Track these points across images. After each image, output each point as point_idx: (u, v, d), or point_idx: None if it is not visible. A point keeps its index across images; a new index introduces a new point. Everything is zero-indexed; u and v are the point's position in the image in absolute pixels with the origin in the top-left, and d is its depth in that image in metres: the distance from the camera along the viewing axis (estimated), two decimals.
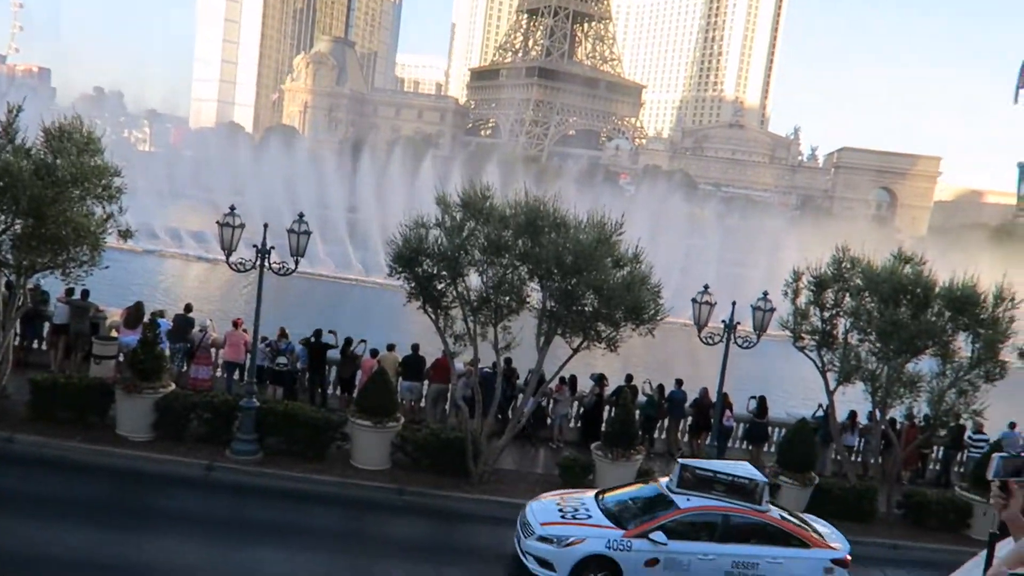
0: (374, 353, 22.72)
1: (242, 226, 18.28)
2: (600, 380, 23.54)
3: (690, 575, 14.45)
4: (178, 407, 18.71)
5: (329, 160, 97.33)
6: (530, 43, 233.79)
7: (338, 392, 23.64)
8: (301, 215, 18.71)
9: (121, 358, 21.80)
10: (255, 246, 18.07)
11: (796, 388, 35.60)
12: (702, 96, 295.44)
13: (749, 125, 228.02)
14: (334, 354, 23.03)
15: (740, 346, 19.31)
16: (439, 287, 18.63)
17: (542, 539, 14.57)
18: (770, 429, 24.76)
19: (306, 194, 68.35)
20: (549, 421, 23.68)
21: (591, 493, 16.31)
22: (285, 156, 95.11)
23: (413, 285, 18.67)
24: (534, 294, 18.94)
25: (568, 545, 14.38)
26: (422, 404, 23.56)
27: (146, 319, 21.38)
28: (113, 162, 18.56)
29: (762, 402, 24.12)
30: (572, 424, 24.30)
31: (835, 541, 15.54)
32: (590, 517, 15.02)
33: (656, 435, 24.59)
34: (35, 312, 22.47)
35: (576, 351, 18.96)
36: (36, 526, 13.93)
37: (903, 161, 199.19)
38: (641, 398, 23.77)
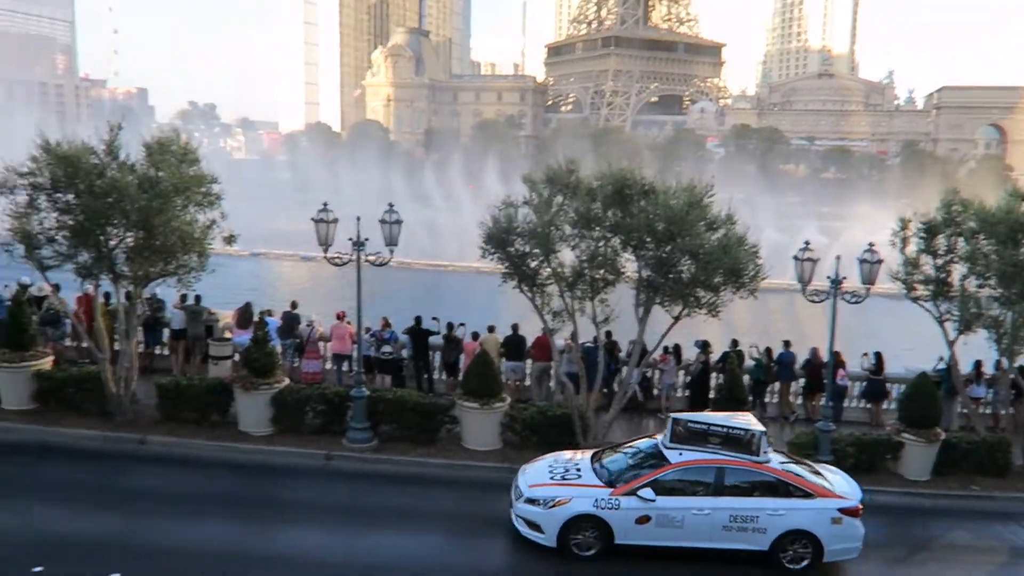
0: (475, 336, 22.93)
1: (336, 221, 18.66)
2: (705, 347, 23.07)
3: (685, 531, 14.09)
4: (293, 401, 19.36)
5: (413, 151, 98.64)
6: (603, 13, 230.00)
7: (443, 376, 23.98)
8: (391, 205, 18.99)
9: (236, 357, 22.71)
10: (350, 239, 18.43)
11: (912, 342, 34.02)
12: (786, 48, 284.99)
13: (838, 73, 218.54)
14: (437, 339, 23.36)
15: (848, 302, 18.52)
16: (532, 265, 18.60)
17: (529, 501, 14.52)
18: (888, 385, 23.75)
19: (395, 185, 69.55)
20: (656, 392, 23.41)
21: (589, 453, 16.05)
22: (370, 151, 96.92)
23: (507, 265, 18.70)
24: (629, 264, 18.70)
25: (554, 506, 14.25)
26: (527, 383, 23.66)
27: (255, 319, 22.21)
28: (211, 170, 19.26)
29: (879, 358, 23.15)
30: (679, 393, 23.93)
31: (845, 490, 14.85)
32: (580, 477, 14.83)
33: (767, 399, 23.97)
34: (154, 320, 23.62)
35: (677, 319, 18.63)
36: (173, 520, 14.69)
37: (1010, 95, 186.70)
38: (749, 363, 23.19)
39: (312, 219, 18.51)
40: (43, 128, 19.59)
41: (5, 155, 18.24)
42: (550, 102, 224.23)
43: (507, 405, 19.68)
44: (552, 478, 14.85)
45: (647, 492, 13.97)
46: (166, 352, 24.69)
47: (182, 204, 18.26)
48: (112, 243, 18.23)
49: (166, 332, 24.37)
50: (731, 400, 19.03)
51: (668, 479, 14.21)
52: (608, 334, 21.42)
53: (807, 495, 14.25)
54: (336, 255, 18.46)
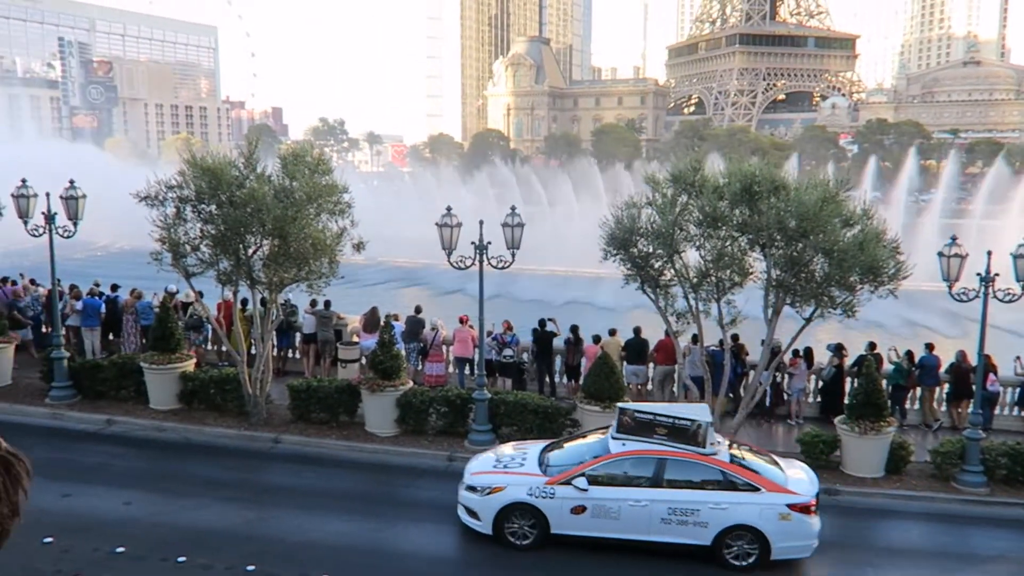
0: (597, 339, 22.77)
1: (459, 225, 18.98)
2: (839, 350, 22.04)
3: (621, 523, 13.49)
4: (417, 403, 19.80)
5: (534, 158, 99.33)
6: (727, 11, 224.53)
7: (565, 380, 23.94)
8: (513, 208, 19.15)
9: (363, 360, 23.47)
10: (473, 243, 18.71)
11: None
12: (926, 37, 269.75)
13: (986, 60, 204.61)
14: (558, 342, 23.37)
15: (1000, 300, 17.25)
16: (656, 266, 18.32)
17: (469, 488, 14.39)
18: None
19: (515, 192, 70.19)
20: (786, 397, 22.54)
21: (544, 444, 15.65)
22: (491, 159, 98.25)
23: (629, 267, 18.49)
24: (757, 264, 18.11)
25: (490, 493, 14.03)
26: (649, 387, 23.29)
27: (381, 323, 22.86)
28: (342, 180, 20.02)
29: None
30: (811, 399, 22.95)
31: (798, 486, 13.74)
32: (522, 466, 14.51)
33: (909, 406, 22.62)
34: (287, 324, 24.73)
35: (809, 320, 17.87)
36: (304, 516, 15.30)
37: None
38: (888, 366, 21.97)
39: (436, 224, 18.90)
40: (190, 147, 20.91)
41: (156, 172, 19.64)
42: (672, 105, 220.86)
43: None
44: (495, 466, 14.79)
45: (581, 481, 13.66)
46: (297, 356, 25.81)
47: (315, 212, 19.05)
48: (250, 251, 19.22)
49: (298, 336, 25.48)
50: (868, 405, 18.07)
51: (604, 469, 13.86)
52: (735, 337, 20.82)
53: (754, 489, 13.50)
54: (460, 259, 18.78)
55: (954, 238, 17.85)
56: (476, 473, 14.77)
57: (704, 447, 13.89)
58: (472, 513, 14.40)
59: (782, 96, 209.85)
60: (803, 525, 13.46)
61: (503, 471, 14.61)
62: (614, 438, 14.41)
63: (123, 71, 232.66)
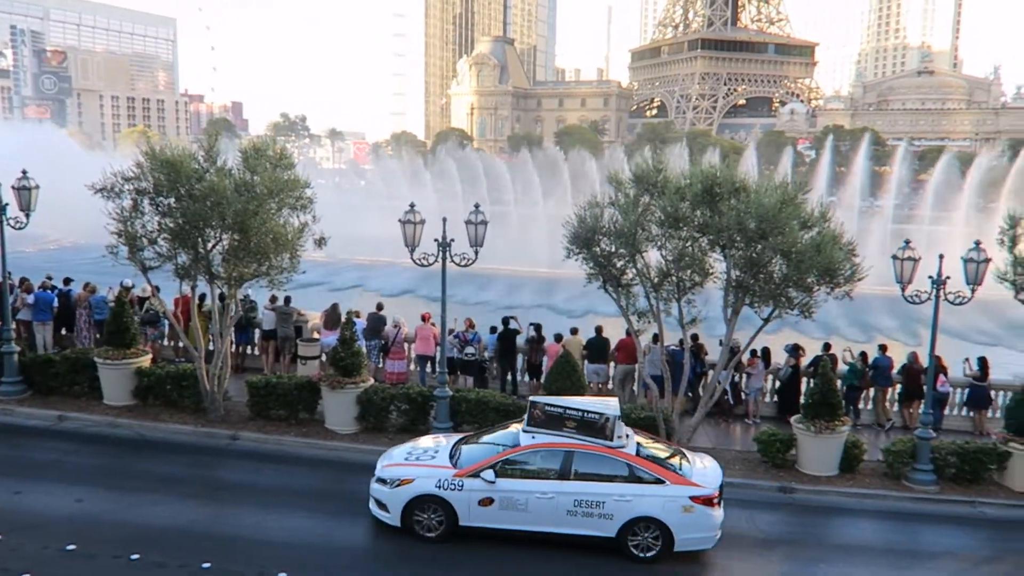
0: (558, 338, 22.87)
1: (422, 222, 18.92)
2: (795, 351, 22.44)
3: (529, 514, 13.75)
4: (378, 400, 19.70)
5: (495, 158, 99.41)
6: (690, 15, 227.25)
7: (526, 378, 24.01)
8: (477, 205, 19.16)
9: (324, 358, 23.28)
10: (436, 239, 18.67)
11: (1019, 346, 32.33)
12: (882, 46, 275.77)
13: (939, 70, 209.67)
14: (519, 341, 23.43)
15: (952, 303, 17.71)
16: (618, 265, 18.46)
17: (379, 480, 14.56)
18: (993, 393, 22.58)
19: (476, 192, 70.21)
20: (744, 396, 22.87)
21: (458, 437, 15.96)
22: (453, 158, 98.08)
23: (592, 266, 18.61)
24: (717, 265, 18.35)
25: (399, 485, 14.19)
26: (610, 386, 23.46)
27: (342, 320, 22.70)
28: (304, 175, 19.84)
29: (983, 363, 22.03)
30: (768, 399, 23.32)
31: (702, 478, 14.16)
32: (434, 458, 14.74)
33: (862, 406, 23.11)
34: (246, 320, 24.42)
35: (767, 320, 18.19)
36: (261, 513, 15.13)
37: None
38: (842, 367, 22.42)
39: (399, 220, 18.81)
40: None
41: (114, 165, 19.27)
42: (634, 107, 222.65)
43: None
44: (406, 459, 14.94)
45: (488, 474, 13.86)
46: (256, 352, 25.52)
47: (276, 207, 18.85)
48: (209, 245, 18.95)
49: (257, 333, 25.19)
50: (823, 405, 18.41)
51: (512, 461, 14.07)
52: (694, 337, 21.07)
53: (658, 481, 13.81)
54: (423, 256, 18.73)
55: (907, 242, 18.28)
56: (387, 465, 14.87)
57: (611, 440, 14.11)
58: (382, 505, 14.50)
59: (742, 101, 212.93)
60: (706, 517, 13.76)
61: (414, 463, 14.72)
62: (524, 431, 14.59)
63: (77, 61, 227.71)
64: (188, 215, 18.38)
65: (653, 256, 18.55)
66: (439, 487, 14.02)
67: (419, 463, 14.68)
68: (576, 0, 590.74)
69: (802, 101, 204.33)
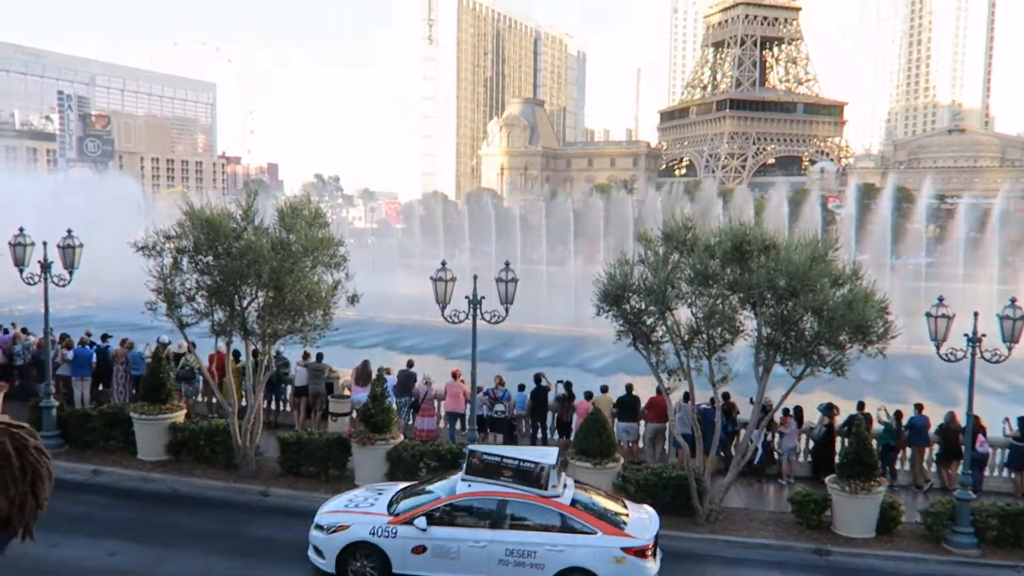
0: (588, 395, 22.84)
1: (453, 280, 19.22)
2: (829, 409, 22.16)
3: (460, 563, 13.60)
4: (407, 457, 19.74)
5: (527, 216, 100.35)
6: (718, 77, 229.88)
7: (556, 436, 23.92)
8: (507, 263, 19.43)
9: (354, 414, 23.42)
10: (467, 297, 18.91)
11: None
12: (912, 105, 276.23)
13: (971, 128, 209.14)
14: (549, 398, 23.41)
15: (988, 361, 17.48)
16: (648, 322, 18.51)
17: (317, 527, 14.57)
18: None
19: (506, 249, 70.82)
20: (776, 456, 22.55)
21: (403, 485, 15.93)
22: (484, 216, 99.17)
23: (622, 323, 18.68)
24: (748, 322, 18.33)
25: (334, 532, 14.18)
26: (640, 445, 23.28)
27: (373, 376, 22.92)
28: (338, 233, 20.31)
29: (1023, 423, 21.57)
30: (801, 459, 22.96)
31: (637, 529, 13.89)
32: (372, 505, 14.70)
33: (899, 466, 22.65)
34: (277, 377, 24.71)
35: (799, 379, 18.03)
36: (291, 569, 15.14)
37: None
38: (877, 427, 22.07)
39: (431, 278, 19.12)
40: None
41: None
42: (664, 167, 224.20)
43: (620, 466, 19.42)
44: (346, 506, 14.94)
45: (421, 521, 13.81)
46: (288, 408, 25.73)
47: (311, 265, 19.27)
48: (245, 302, 19.35)
49: (289, 389, 25.44)
50: (859, 464, 18.11)
51: (447, 510, 14.03)
52: (725, 395, 20.93)
53: (591, 532, 13.63)
54: (454, 313, 18.95)
55: (941, 299, 18.16)
56: (327, 512, 14.95)
57: (545, 489, 14.05)
58: (319, 551, 14.50)
59: (771, 160, 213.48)
60: (637, 569, 13.62)
61: (352, 510, 14.80)
62: (462, 479, 14.62)
63: (120, 125, 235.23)
64: (226, 273, 18.84)
65: (683, 313, 18.60)
66: (373, 534, 14.08)
67: (357, 510, 14.80)
68: (605, 62, 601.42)
69: (832, 160, 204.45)
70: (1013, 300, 17.71)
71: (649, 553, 13.78)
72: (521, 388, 23.79)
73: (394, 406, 21.79)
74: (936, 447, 22.37)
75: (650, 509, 15.64)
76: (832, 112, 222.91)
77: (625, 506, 15.10)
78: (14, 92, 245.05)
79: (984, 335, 17.52)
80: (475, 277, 18.99)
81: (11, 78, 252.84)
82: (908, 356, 38.81)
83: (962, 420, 20.17)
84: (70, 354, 24.99)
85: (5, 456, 2.04)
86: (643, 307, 18.40)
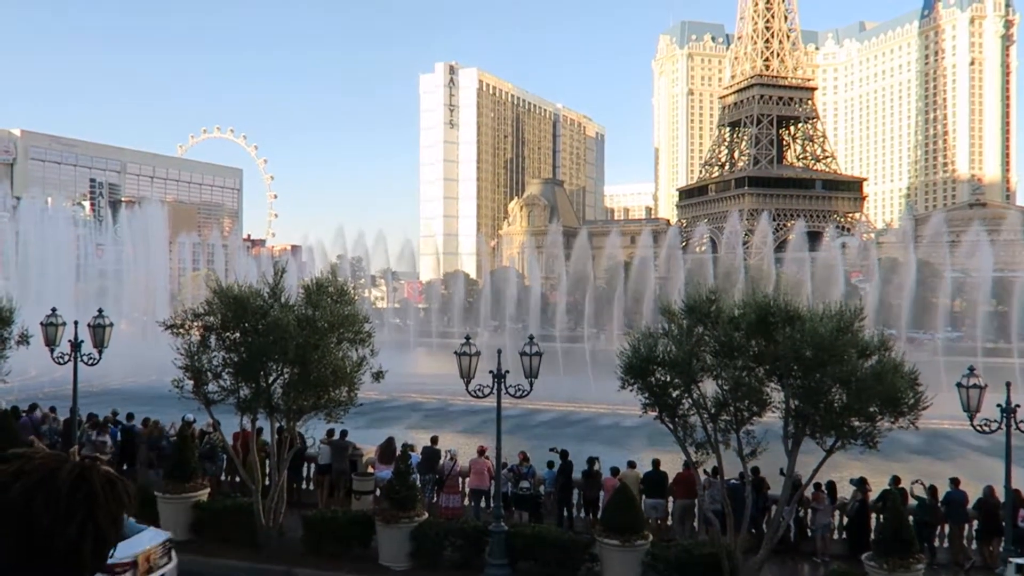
0: (615, 471, 22.54)
1: (478, 354, 19.30)
2: (862, 484, 21.67)
3: None
4: (432, 535, 19.47)
5: (549, 294, 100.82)
6: (736, 155, 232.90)
7: (583, 514, 23.51)
8: (531, 337, 19.50)
9: (378, 492, 23.21)
10: (491, 371, 18.95)
11: None
12: (931, 180, 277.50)
13: (991, 202, 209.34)
14: (575, 475, 23.12)
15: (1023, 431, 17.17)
16: (674, 395, 18.38)
17: None
18: None
19: (528, 326, 70.96)
20: (810, 533, 21.97)
21: None
22: (504, 294, 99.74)
23: (647, 396, 18.56)
24: (775, 394, 18.16)
25: None
26: (669, 522, 22.81)
27: (397, 453, 22.79)
28: (363, 310, 20.55)
29: None
30: (836, 535, 22.35)
31: None
32: None
33: (938, 544, 21.96)
34: (299, 455, 24.60)
35: (830, 452, 17.71)
36: None
37: None
38: (912, 502, 21.51)
39: (455, 352, 19.21)
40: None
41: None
42: (684, 244, 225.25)
43: (649, 543, 19.00)
44: None
45: None
46: (311, 487, 25.55)
47: (336, 341, 19.45)
48: (271, 378, 19.48)
49: (312, 468, 25.31)
50: (896, 541, 17.61)
51: None
52: (755, 470, 20.56)
53: None
54: (478, 387, 18.97)
55: (971, 369, 17.97)
56: None
57: None
58: None
59: (792, 236, 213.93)
60: None
61: None
62: None
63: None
64: (252, 349, 19.04)
65: (709, 386, 18.47)
66: None
67: None
68: (623, 142, 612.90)
69: (854, 235, 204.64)
70: None
71: None
72: (550, 466, 23.53)
73: (418, 483, 21.62)
74: (975, 523, 21.72)
75: None
76: (851, 188, 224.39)
77: None
78: (49, 180, 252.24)
79: (1018, 405, 17.25)
80: (499, 351, 19.07)
81: (47, 167, 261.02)
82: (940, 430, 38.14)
83: (1001, 494, 19.66)
84: (95, 434, 25.13)
85: (91, 490, 2.08)
86: (668, 379, 18.31)
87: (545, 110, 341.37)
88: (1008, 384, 17.43)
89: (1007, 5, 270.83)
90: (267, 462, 21.65)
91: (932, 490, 21.71)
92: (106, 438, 25.22)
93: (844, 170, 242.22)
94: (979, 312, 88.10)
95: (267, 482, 21.39)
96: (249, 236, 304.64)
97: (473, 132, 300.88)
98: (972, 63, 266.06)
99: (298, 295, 20.09)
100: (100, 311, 21.87)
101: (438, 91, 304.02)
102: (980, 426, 17.40)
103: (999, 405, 17.30)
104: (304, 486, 25.80)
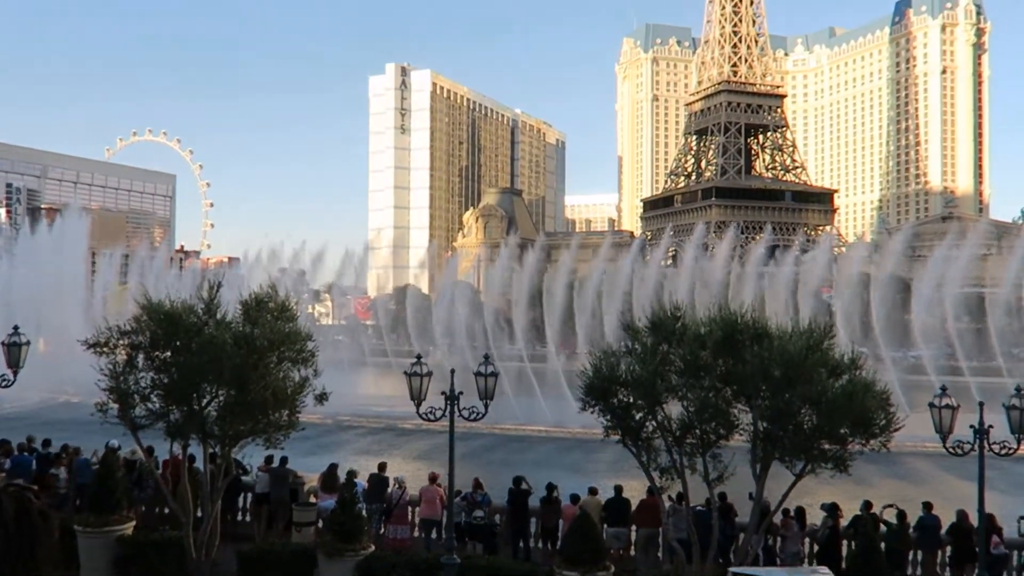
0: (575, 499, 22.57)
1: (429, 374, 19.22)
2: (833, 510, 21.98)
3: None
4: (379, 569, 19.27)
5: (504, 311, 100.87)
6: (702, 164, 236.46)
7: (539, 544, 23.48)
8: (487, 356, 19.48)
9: (320, 524, 22.92)
10: (443, 393, 18.90)
11: None
12: (903, 192, 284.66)
13: (965, 215, 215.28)
14: (533, 502, 23.11)
15: (997, 454, 17.61)
16: (637, 417, 18.52)
17: None
18: None
19: (483, 345, 70.94)
20: (779, 561, 22.21)
21: None
22: (459, 310, 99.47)
23: (609, 418, 18.67)
24: (743, 416, 18.40)
25: None
26: (632, 552, 22.90)
27: (341, 482, 22.57)
28: (306, 327, 20.36)
29: None
30: (805, 563, 22.62)
31: None
32: None
33: (911, 571, 22.37)
34: (235, 483, 24.22)
35: (800, 476, 18.02)
36: None
37: None
38: (885, 529, 21.90)
39: (405, 372, 19.12)
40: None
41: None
42: (648, 257, 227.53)
43: (610, 575, 19.04)
44: None
45: None
46: (247, 519, 25.14)
47: (276, 361, 19.21)
48: (205, 401, 19.17)
49: (248, 497, 24.91)
50: (867, 569, 17.91)
51: None
52: (722, 495, 20.76)
53: None
54: (429, 410, 18.89)
55: (943, 388, 18.39)
56: None
57: None
58: None
59: (761, 249, 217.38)
60: None
61: None
62: None
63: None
64: (184, 370, 18.72)
65: (674, 408, 18.65)
66: None
67: None
68: (585, 150, 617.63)
69: (824, 249, 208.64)
70: (1019, 388, 17.98)
71: None
72: (510, 493, 23.47)
73: (364, 513, 21.42)
74: (948, 549, 22.18)
75: None
76: (822, 200, 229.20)
77: None
78: None
79: (991, 426, 17.70)
80: (452, 371, 19.02)
81: None
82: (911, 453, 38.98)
83: (974, 519, 20.11)
84: (8, 463, 24.42)
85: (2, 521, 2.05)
86: (631, 401, 18.44)
87: (503, 115, 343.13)
88: (981, 404, 17.89)
89: (978, 13, 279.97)
90: (199, 492, 21.23)
91: (901, 515, 22.12)
92: (60, 471, 24.61)
93: (814, 181, 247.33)
94: (952, 329, 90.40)
95: (199, 513, 20.96)
96: (183, 247, 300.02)
97: (426, 138, 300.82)
98: (944, 71, 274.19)
99: (235, 311, 19.81)
100: (16, 328, 21.32)
101: (388, 94, 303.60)
102: (952, 448, 17.82)
103: (972, 426, 17.74)
104: (240, 517, 25.37)
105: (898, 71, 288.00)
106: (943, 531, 22.04)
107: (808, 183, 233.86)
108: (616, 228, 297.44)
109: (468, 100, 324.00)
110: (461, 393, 19.02)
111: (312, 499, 23.85)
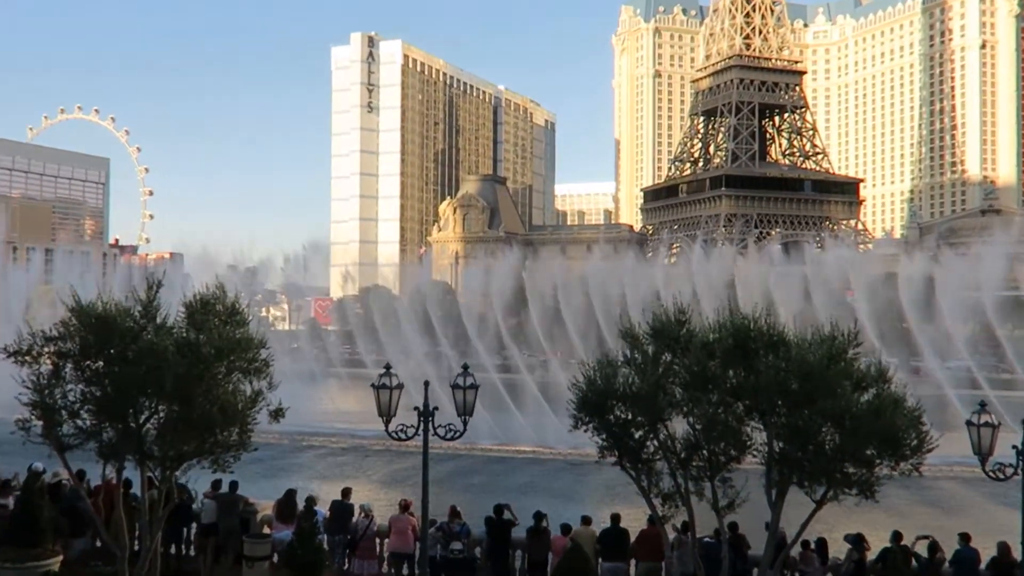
0: (566, 529, 22.61)
1: (400, 387, 19.19)
2: (858, 542, 22.13)
3: None
4: None
5: (485, 315, 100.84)
6: (711, 150, 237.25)
7: None
8: (466, 366, 19.49)
9: (275, 558, 22.87)
10: (416, 408, 18.89)
11: None
12: (937, 182, 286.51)
13: (1007, 208, 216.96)
14: (519, 533, 23.14)
15: None
16: (636, 436, 18.58)
17: None
18: None
19: (464, 354, 70.99)
20: None
21: None
22: (434, 316, 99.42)
23: (605, 437, 18.72)
24: (756, 435, 18.49)
25: None
26: None
27: (300, 510, 22.55)
28: (259, 333, 20.28)
29: None
30: None
31: None
32: None
33: None
34: (178, 512, 24.10)
35: (821, 503, 18.12)
36: None
37: None
38: (916, 563, 22.06)
39: (372, 385, 19.10)
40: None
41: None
42: (650, 253, 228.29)
43: None
44: None
45: None
46: (192, 552, 25.05)
47: (225, 371, 19.14)
48: (142, 417, 19.06)
49: (193, 528, 24.84)
50: None
51: None
52: (733, 525, 20.85)
53: None
54: (400, 427, 18.88)
55: (983, 404, 18.55)
56: None
57: None
58: None
59: (777, 245, 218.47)
60: None
61: None
62: None
63: None
64: (119, 381, 18.61)
65: (679, 426, 18.71)
66: None
67: None
68: (578, 133, 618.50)
69: (847, 245, 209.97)
70: None
71: None
72: (489, 522, 23.49)
73: (325, 545, 21.39)
74: None
75: None
76: (846, 190, 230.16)
77: None
78: None
79: None
80: (426, 384, 19.02)
81: None
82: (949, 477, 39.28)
83: (1017, 553, 20.29)
84: None
85: None
86: (630, 417, 18.49)
87: (484, 92, 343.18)
88: None
89: None
90: (137, 522, 21.13)
91: (935, 547, 22.28)
92: (8, 500, 24.42)
93: (837, 169, 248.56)
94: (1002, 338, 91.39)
95: (136, 547, 20.88)
96: (117, 241, 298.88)
97: (396, 118, 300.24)
98: (983, 46, 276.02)
99: (178, 314, 19.74)
100: None
101: (354, 67, 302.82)
102: (993, 472, 17.96)
103: (1014, 446, 17.89)
104: (184, 551, 25.28)
105: (932, 45, 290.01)
106: (982, 566, 22.20)
107: (830, 171, 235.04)
108: (613, 221, 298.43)
109: (444, 75, 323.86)
110: (436, 409, 19.00)
111: (266, 530, 23.80)
